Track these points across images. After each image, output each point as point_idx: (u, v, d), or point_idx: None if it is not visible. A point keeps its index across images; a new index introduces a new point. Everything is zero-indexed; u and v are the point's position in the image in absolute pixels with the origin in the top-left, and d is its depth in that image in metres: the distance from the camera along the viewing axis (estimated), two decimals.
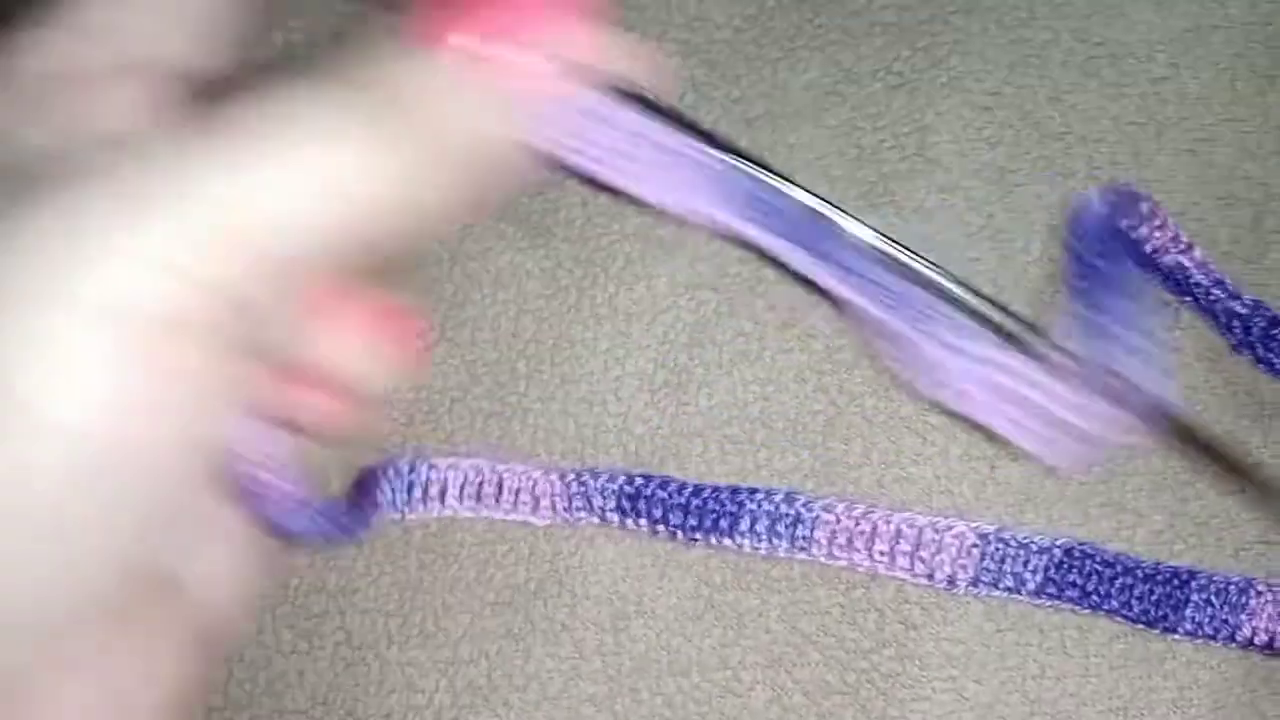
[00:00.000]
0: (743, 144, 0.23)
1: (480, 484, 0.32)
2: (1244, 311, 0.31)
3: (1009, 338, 0.24)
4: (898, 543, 0.30)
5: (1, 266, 0.20)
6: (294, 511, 0.24)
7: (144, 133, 0.22)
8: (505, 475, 0.32)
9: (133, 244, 0.20)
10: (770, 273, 0.33)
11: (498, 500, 0.32)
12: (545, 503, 0.32)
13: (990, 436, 0.32)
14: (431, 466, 0.32)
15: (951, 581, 0.31)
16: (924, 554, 0.31)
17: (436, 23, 0.22)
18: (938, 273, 0.23)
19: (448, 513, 0.32)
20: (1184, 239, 0.31)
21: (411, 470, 0.32)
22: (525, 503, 0.32)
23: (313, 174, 0.21)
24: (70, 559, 0.20)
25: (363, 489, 0.32)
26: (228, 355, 0.21)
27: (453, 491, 0.32)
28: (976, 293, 0.24)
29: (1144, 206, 0.31)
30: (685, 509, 0.31)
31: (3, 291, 0.20)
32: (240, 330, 0.21)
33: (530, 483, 0.32)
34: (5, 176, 0.21)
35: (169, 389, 0.20)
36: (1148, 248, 0.31)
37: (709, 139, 0.22)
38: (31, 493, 0.20)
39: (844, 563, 0.31)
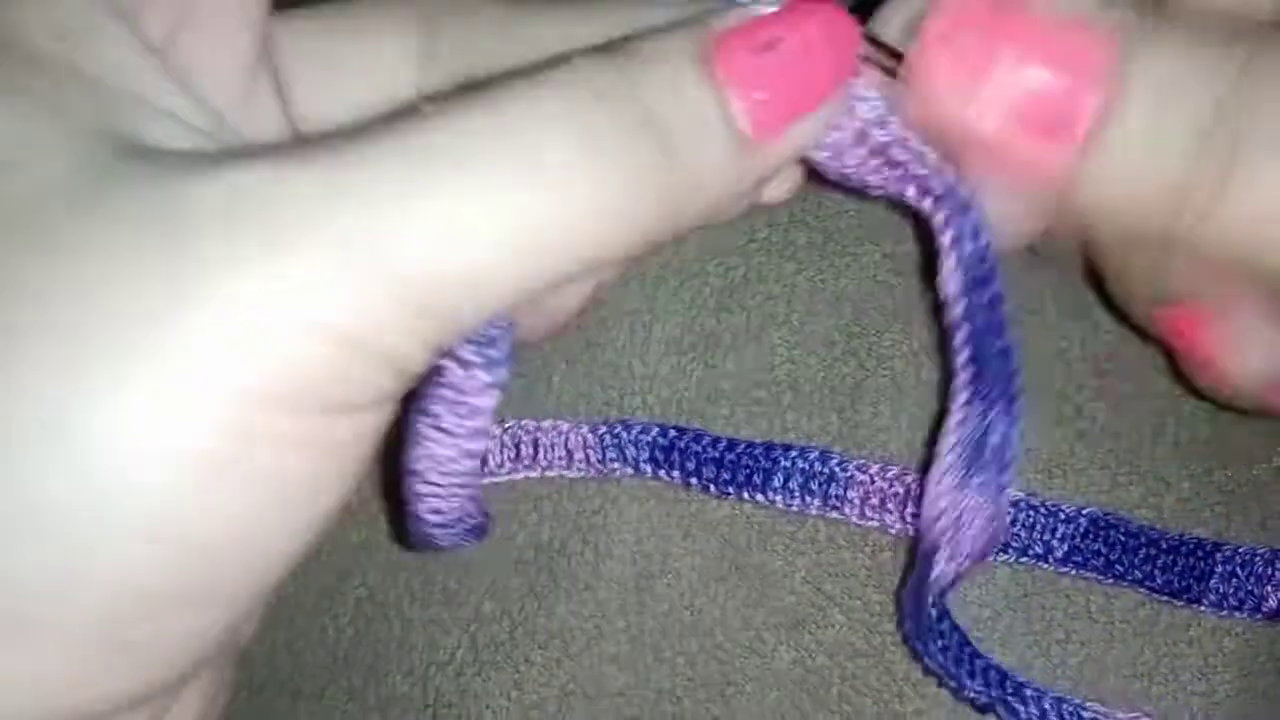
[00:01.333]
0: None
1: (518, 446, 0.32)
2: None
3: None
4: None
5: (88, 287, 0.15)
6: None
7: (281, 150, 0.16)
8: (539, 434, 0.32)
9: (267, 294, 0.14)
10: (800, 236, 0.33)
11: (534, 460, 0.32)
12: (579, 456, 0.32)
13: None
14: None
15: None
16: None
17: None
18: None
19: (486, 481, 0.32)
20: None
21: None
22: (560, 458, 0.32)
23: (530, 213, 0.15)
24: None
25: None
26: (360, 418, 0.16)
27: (494, 459, 0.32)
28: None
29: None
30: (719, 463, 0.31)
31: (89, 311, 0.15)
32: (389, 387, 0.16)
33: (563, 438, 0.32)
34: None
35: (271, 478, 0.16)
36: None
37: None
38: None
39: (875, 524, 0.31)
